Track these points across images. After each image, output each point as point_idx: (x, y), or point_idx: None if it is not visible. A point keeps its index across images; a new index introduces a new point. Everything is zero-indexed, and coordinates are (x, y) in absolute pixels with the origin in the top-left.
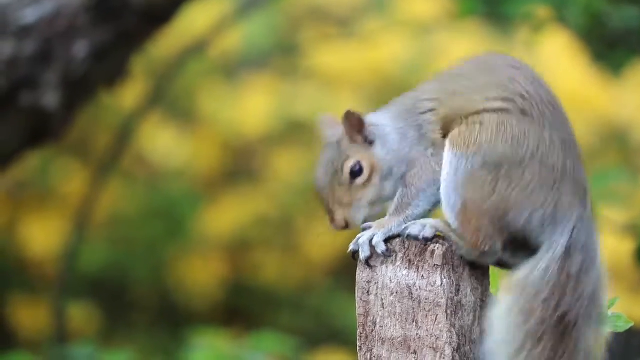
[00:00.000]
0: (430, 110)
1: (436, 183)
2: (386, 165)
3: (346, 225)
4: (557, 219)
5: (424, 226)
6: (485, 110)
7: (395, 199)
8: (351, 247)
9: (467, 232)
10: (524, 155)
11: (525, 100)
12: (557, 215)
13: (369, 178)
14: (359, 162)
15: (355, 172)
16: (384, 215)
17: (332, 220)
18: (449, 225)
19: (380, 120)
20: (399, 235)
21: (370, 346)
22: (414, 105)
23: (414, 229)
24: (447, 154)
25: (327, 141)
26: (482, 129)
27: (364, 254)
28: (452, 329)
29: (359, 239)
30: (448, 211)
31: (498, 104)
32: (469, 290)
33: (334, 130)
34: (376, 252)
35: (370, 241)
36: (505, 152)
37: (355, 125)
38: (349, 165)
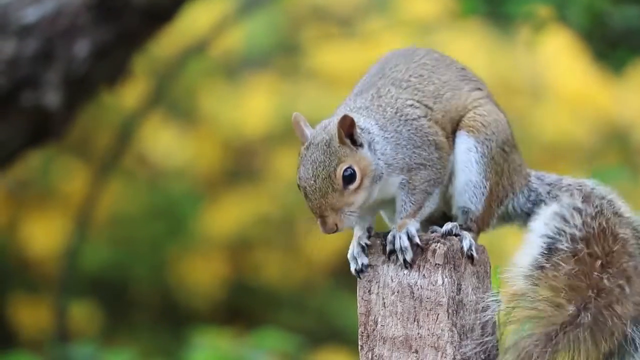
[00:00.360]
0: (422, 116)
1: (441, 184)
2: (376, 170)
3: (336, 229)
4: (530, 188)
5: (453, 224)
6: (477, 101)
7: (406, 203)
8: (388, 248)
9: (485, 216)
10: (511, 136)
11: (483, 85)
12: (529, 185)
13: (360, 182)
14: (351, 167)
15: (348, 178)
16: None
17: (324, 224)
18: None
19: (366, 126)
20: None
21: (371, 345)
22: (395, 114)
23: (448, 225)
24: (468, 141)
25: (311, 141)
26: (486, 116)
27: (409, 255)
28: (454, 328)
29: (393, 242)
30: (475, 198)
31: (479, 94)
32: (471, 290)
33: (311, 130)
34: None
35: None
36: (506, 134)
37: (347, 129)
38: (342, 170)
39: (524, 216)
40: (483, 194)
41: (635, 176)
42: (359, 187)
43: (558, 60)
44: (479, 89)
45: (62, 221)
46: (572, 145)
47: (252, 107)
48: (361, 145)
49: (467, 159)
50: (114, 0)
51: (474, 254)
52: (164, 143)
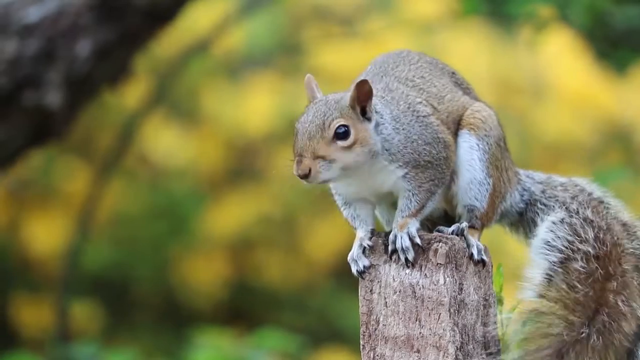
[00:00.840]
0: (431, 114)
1: (444, 184)
2: (374, 147)
3: (307, 176)
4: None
5: (458, 226)
6: (471, 100)
7: (411, 202)
8: (390, 248)
9: (489, 213)
10: (503, 132)
11: (471, 88)
12: (520, 183)
13: (351, 145)
14: (348, 127)
15: (341, 134)
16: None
17: (299, 164)
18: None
19: (381, 110)
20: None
21: (373, 345)
22: (408, 108)
23: (454, 227)
24: (470, 140)
25: (322, 98)
26: (482, 112)
27: (411, 254)
28: (456, 328)
29: (395, 242)
30: (480, 195)
31: (471, 95)
32: (472, 289)
33: (320, 93)
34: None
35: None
36: (500, 130)
37: (363, 96)
38: (338, 124)
39: (515, 215)
40: (487, 191)
41: (637, 176)
42: (347, 149)
43: (560, 60)
44: (470, 92)
45: (64, 221)
46: (574, 145)
47: (254, 107)
48: (369, 119)
49: (471, 157)
50: (116, 0)
51: (484, 258)
52: (166, 143)
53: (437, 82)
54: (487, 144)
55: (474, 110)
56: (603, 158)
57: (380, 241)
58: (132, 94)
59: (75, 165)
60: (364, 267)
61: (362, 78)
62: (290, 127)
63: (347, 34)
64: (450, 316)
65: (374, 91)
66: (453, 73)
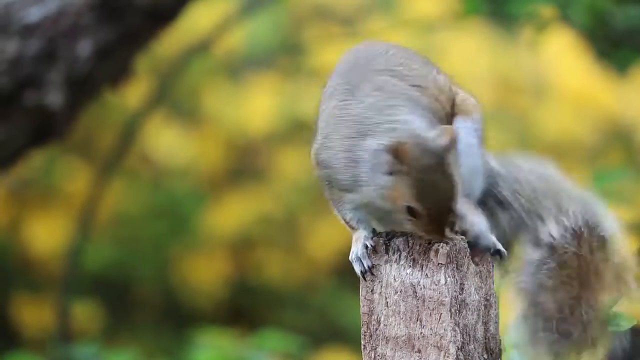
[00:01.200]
0: (422, 95)
1: None
2: None
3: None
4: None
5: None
6: (453, 84)
7: None
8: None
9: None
10: None
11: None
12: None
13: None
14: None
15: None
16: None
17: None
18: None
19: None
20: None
21: (374, 345)
22: (412, 97)
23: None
24: (466, 125)
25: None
26: (470, 98)
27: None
28: (457, 328)
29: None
30: (478, 184)
31: (452, 81)
32: (473, 289)
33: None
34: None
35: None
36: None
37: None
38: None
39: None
40: (483, 178)
41: (638, 176)
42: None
43: (561, 60)
44: (441, 72)
45: (65, 221)
46: (575, 145)
47: (255, 107)
48: None
49: (469, 143)
50: (117, 0)
51: (501, 249)
52: (167, 142)
53: (415, 65)
54: (480, 129)
55: (464, 98)
56: (604, 158)
57: (381, 241)
58: (133, 93)
59: (76, 165)
60: (368, 267)
61: (335, 80)
62: (292, 127)
63: (349, 34)
64: (451, 316)
65: (362, 93)
66: (424, 57)
